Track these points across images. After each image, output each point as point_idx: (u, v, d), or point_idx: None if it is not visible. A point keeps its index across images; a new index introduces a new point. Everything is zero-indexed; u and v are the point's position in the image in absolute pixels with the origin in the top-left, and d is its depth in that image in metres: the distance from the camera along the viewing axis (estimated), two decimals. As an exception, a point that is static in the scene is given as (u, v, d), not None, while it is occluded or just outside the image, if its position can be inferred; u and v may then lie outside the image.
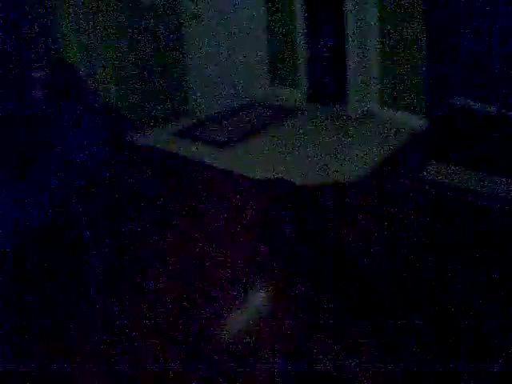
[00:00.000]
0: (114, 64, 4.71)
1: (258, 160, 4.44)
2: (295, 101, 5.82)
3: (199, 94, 5.25)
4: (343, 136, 4.96)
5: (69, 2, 4.38)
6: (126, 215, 3.59)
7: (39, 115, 3.53)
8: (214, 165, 4.36)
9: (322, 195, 3.82)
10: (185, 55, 5.06)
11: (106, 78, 4.71)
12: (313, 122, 5.32)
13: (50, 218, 2.97)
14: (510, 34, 5.43)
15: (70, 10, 4.47)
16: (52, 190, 3.09)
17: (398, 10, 5.03)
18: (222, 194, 3.93)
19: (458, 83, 5.99)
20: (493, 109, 5.76)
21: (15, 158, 3.12)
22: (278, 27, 5.94)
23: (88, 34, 4.43)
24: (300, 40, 5.75)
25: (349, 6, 4.95)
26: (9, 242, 2.81)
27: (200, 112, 5.28)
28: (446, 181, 4.06)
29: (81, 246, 3.03)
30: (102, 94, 4.55)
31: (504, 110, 5.67)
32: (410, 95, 5.21)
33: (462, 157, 4.57)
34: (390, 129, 5.11)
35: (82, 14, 4.37)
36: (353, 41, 5.07)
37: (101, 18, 4.52)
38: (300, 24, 5.69)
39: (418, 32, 4.97)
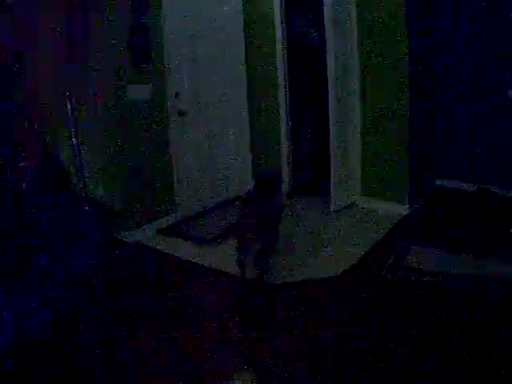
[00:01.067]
0: (101, 161, 4.75)
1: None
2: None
3: (185, 191, 5.30)
4: (324, 229, 4.98)
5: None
6: (115, 312, 3.56)
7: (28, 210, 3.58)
8: (199, 262, 4.33)
9: (300, 292, 3.80)
10: (170, 153, 5.14)
11: (95, 175, 4.79)
12: (294, 217, 5.36)
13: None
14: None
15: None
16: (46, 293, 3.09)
17: (378, 100, 5.26)
18: (204, 290, 3.90)
19: (441, 163, 6.23)
20: (472, 187, 5.96)
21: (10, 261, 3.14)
22: (261, 122, 6.17)
23: (77, 132, 4.51)
24: (283, 134, 5.99)
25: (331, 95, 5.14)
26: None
27: (185, 209, 5.32)
28: (429, 267, 4.02)
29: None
30: (90, 190, 4.64)
31: (485, 187, 5.86)
32: (392, 183, 5.33)
33: (444, 240, 4.60)
34: (373, 219, 5.18)
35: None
36: (336, 135, 5.23)
37: (89, 116, 4.63)
38: (283, 119, 5.96)
39: (400, 118, 5.16)
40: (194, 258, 4.43)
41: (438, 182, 6.30)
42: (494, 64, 5.57)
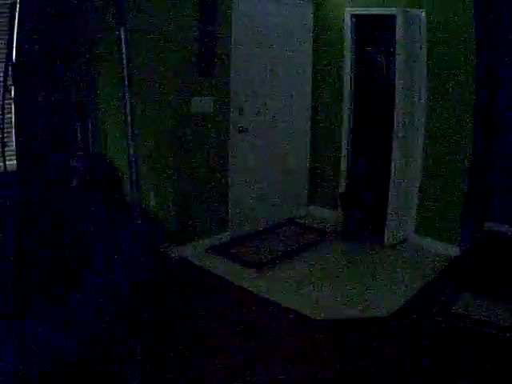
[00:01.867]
0: (155, 169, 4.81)
1: (291, 288, 4.34)
2: (333, 223, 5.87)
3: (238, 210, 5.29)
4: (377, 266, 4.92)
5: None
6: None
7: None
8: (249, 288, 4.29)
9: (348, 332, 3.73)
10: (229, 170, 5.13)
11: (149, 184, 4.84)
12: (348, 249, 5.32)
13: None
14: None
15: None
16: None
17: (440, 141, 5.16)
18: (250, 320, 3.86)
19: (496, 207, 6.02)
20: None
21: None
22: (321, 152, 6.14)
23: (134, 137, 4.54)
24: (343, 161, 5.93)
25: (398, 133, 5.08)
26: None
27: (237, 228, 5.31)
28: (478, 316, 3.90)
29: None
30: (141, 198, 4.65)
31: None
32: (446, 223, 5.21)
33: (496, 289, 4.47)
34: (425, 258, 5.08)
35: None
36: (397, 171, 5.17)
37: (149, 125, 4.71)
38: (344, 148, 5.90)
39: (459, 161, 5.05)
40: (240, 282, 4.41)
41: (492, 226, 6.11)
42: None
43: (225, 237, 5.21)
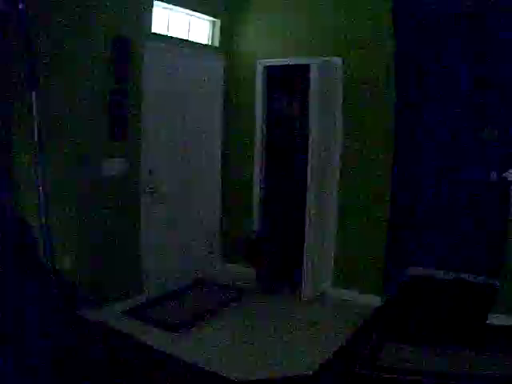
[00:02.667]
0: (70, 232, 4.62)
1: (208, 349, 4.21)
2: (249, 280, 5.82)
3: (152, 272, 5.16)
4: (296, 322, 4.88)
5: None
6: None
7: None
8: (167, 351, 4.11)
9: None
10: (141, 232, 5.03)
11: (62, 246, 4.62)
12: (264, 306, 5.24)
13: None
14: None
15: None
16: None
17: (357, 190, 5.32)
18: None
19: (416, 252, 6.29)
20: (450, 275, 6.01)
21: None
22: (233, 210, 6.14)
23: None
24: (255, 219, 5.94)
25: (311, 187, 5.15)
26: None
27: (151, 290, 5.17)
28: (403, 365, 3.95)
29: None
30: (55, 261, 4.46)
31: (460, 276, 5.95)
32: (366, 273, 5.31)
33: (418, 334, 4.58)
34: (346, 310, 5.11)
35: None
36: (313, 223, 5.21)
37: (63, 188, 4.53)
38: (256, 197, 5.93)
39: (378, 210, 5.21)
40: (157, 344, 4.25)
41: (412, 271, 6.33)
42: (473, 151, 5.83)
43: (140, 299, 5.06)
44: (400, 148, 5.27)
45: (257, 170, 5.89)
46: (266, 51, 5.69)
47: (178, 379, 3.79)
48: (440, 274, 6.14)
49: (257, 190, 5.93)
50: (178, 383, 3.74)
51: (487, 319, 4.78)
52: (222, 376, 3.77)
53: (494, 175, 5.68)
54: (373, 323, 4.86)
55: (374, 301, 5.24)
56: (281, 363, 4.03)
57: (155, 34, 4.99)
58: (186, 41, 5.43)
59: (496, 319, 4.74)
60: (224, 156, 6.06)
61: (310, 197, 5.15)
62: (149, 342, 4.27)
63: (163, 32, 5.15)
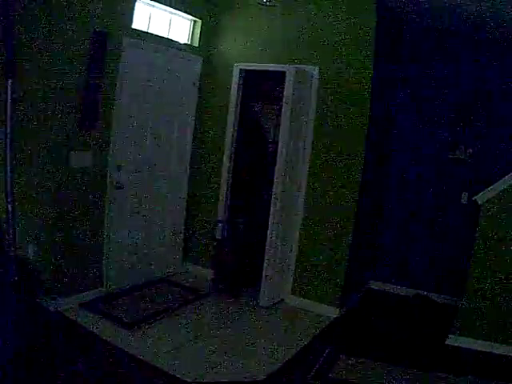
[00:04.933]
0: (34, 223, 4.54)
1: (163, 348, 4.22)
2: (206, 281, 5.84)
3: (113, 266, 5.14)
4: (252, 327, 4.92)
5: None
6: None
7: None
8: (121, 347, 4.12)
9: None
10: (105, 226, 5.02)
11: (26, 235, 4.58)
12: (222, 308, 5.28)
13: None
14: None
15: None
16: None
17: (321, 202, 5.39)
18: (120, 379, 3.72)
19: (375, 266, 6.39)
20: (411, 291, 6.13)
21: None
22: (199, 206, 6.15)
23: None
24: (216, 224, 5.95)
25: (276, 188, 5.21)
26: None
27: (111, 284, 5.15)
28: (357, 380, 4.00)
29: None
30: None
31: (421, 293, 6.07)
32: (325, 284, 5.37)
33: (374, 349, 4.65)
34: (303, 320, 5.16)
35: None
36: (275, 231, 5.26)
37: (30, 177, 4.47)
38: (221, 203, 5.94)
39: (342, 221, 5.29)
40: (112, 339, 4.24)
41: (372, 285, 6.43)
42: (443, 167, 5.96)
43: (99, 292, 5.03)
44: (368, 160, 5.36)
45: (224, 174, 5.94)
46: (244, 55, 5.73)
47: (130, 375, 3.80)
48: (401, 289, 6.25)
49: (223, 191, 5.96)
50: (129, 379, 3.74)
51: (446, 340, 4.88)
52: (171, 375, 3.79)
53: (464, 197, 5.79)
54: (329, 334, 4.93)
55: (332, 312, 5.31)
56: (232, 367, 4.06)
57: (135, 30, 4.97)
58: (166, 39, 5.43)
59: (454, 340, 4.86)
60: (194, 156, 6.07)
61: (275, 205, 5.21)
62: (103, 337, 4.26)
63: (143, 28, 5.13)
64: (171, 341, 4.41)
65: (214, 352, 4.28)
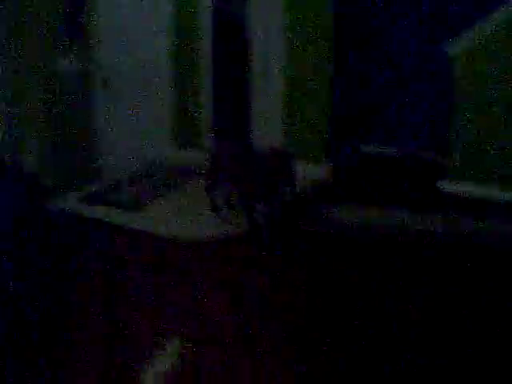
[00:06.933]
0: (30, 126, 4.86)
1: (168, 220, 4.63)
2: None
3: (109, 159, 5.46)
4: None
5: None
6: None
7: None
8: (124, 227, 4.51)
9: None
10: (94, 121, 5.30)
11: (21, 138, 4.87)
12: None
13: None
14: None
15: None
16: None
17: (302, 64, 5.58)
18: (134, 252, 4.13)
19: (367, 129, 6.64)
20: (401, 151, 6.40)
21: None
22: (183, 91, 6.34)
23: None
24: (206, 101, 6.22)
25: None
26: None
27: (109, 176, 5.48)
28: (348, 222, 4.49)
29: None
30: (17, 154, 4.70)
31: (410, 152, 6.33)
32: (313, 145, 5.68)
33: (368, 198, 5.08)
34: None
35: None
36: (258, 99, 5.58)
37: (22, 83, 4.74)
38: (206, 87, 6.17)
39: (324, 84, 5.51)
40: (120, 222, 4.61)
41: (363, 148, 6.68)
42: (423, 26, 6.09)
43: (100, 185, 5.37)
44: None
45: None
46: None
47: (137, 246, 4.22)
48: (390, 150, 6.49)
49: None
50: (136, 250, 4.17)
51: (438, 186, 5.27)
52: (171, 239, 4.24)
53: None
54: (320, 188, 5.34)
55: (323, 171, 5.64)
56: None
57: None
58: None
59: (446, 185, 5.23)
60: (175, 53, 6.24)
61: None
62: (111, 221, 4.65)
63: None
64: (171, 213, 4.81)
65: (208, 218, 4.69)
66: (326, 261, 3.88)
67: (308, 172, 5.56)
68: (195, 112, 6.27)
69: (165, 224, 4.54)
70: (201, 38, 6.05)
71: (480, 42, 4.88)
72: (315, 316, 3.17)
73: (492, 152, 5.01)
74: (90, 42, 5.05)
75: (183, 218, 4.69)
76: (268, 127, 5.79)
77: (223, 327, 3.04)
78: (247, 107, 5.89)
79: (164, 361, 2.74)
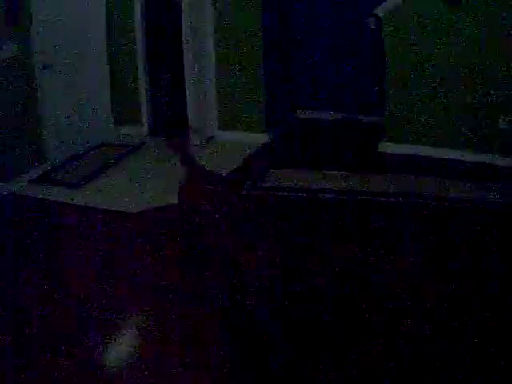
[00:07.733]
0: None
1: (113, 194, 4.79)
2: (140, 137, 6.33)
3: (53, 142, 5.52)
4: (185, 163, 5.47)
5: None
6: None
7: None
8: (70, 203, 4.65)
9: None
10: (39, 107, 5.34)
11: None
12: (156, 155, 5.84)
13: None
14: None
15: None
16: None
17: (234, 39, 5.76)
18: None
19: (303, 96, 6.80)
20: (338, 116, 6.60)
21: None
22: (120, 70, 6.42)
23: None
24: (141, 77, 6.35)
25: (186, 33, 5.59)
26: None
27: (55, 158, 5.55)
28: (289, 185, 4.63)
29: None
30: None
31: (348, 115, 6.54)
32: (249, 115, 5.86)
33: (308, 162, 5.25)
34: (235, 150, 5.67)
35: None
36: (191, 70, 5.68)
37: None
38: (141, 63, 6.30)
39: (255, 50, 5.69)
40: (66, 200, 4.75)
41: (300, 114, 6.88)
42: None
43: (46, 166, 5.43)
44: None
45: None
46: None
47: (88, 221, 4.37)
48: (328, 115, 6.68)
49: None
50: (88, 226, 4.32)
51: (377, 148, 5.44)
52: (121, 211, 4.40)
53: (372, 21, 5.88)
54: (259, 156, 5.53)
55: (260, 139, 5.85)
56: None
57: None
58: None
59: (385, 147, 5.42)
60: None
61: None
62: (54, 199, 4.78)
63: None
64: (119, 185, 4.99)
65: (152, 186, 4.90)
66: (265, 222, 4.10)
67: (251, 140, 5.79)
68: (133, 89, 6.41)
69: (108, 198, 4.69)
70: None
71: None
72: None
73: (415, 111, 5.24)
74: (29, 27, 5.07)
75: (125, 192, 4.85)
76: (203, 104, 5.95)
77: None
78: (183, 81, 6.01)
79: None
